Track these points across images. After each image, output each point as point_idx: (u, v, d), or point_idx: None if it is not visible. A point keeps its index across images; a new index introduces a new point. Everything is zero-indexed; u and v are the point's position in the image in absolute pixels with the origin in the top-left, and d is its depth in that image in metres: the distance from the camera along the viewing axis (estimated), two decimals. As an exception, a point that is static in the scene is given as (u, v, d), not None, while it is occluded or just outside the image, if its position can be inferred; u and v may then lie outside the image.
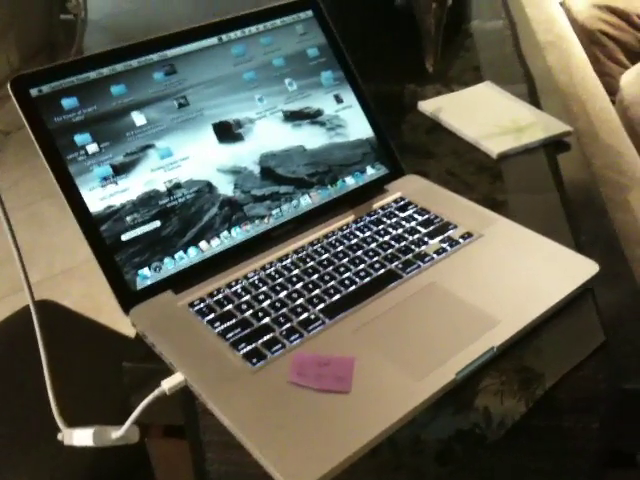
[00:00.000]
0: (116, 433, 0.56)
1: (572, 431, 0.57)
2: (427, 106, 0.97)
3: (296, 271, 0.67)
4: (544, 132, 0.90)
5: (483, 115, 0.95)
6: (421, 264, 0.66)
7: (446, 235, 0.70)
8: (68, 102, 0.64)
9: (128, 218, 0.64)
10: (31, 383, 0.92)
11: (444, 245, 0.69)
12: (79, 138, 0.64)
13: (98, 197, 0.63)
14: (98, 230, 0.62)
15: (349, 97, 0.80)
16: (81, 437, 0.56)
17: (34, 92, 0.63)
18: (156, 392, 0.54)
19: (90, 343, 1.03)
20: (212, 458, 0.61)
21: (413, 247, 0.69)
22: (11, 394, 0.95)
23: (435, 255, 0.68)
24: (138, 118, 0.67)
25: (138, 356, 0.60)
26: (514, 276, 0.65)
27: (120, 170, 0.65)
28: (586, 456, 0.59)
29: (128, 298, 0.62)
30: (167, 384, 0.55)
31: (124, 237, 0.63)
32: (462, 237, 0.70)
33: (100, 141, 0.64)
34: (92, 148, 0.64)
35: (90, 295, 1.87)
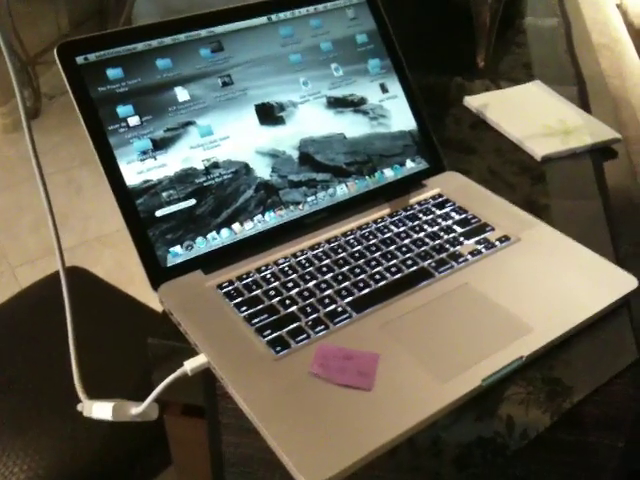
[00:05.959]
0: (136, 409, 0.56)
1: (596, 448, 0.56)
2: (473, 101, 0.95)
3: (327, 261, 0.66)
4: (592, 137, 0.87)
5: (530, 115, 0.93)
6: (455, 264, 0.65)
7: (483, 237, 0.69)
8: (113, 72, 0.64)
9: (164, 194, 0.64)
10: (56, 349, 0.93)
11: (480, 247, 0.67)
12: (121, 110, 0.63)
13: (136, 170, 0.63)
14: (133, 204, 0.62)
15: (395, 87, 0.78)
16: (100, 410, 0.57)
17: (80, 60, 0.63)
18: (178, 372, 0.54)
19: (117, 314, 1.04)
20: (228, 441, 0.61)
21: (448, 246, 0.68)
22: (35, 359, 0.96)
23: (470, 256, 0.66)
24: (181, 94, 0.66)
25: (163, 333, 0.60)
26: (549, 284, 0.63)
27: (160, 145, 0.64)
28: (606, 473, 0.57)
29: (158, 274, 0.62)
30: (190, 365, 0.54)
31: (158, 213, 0.63)
32: (499, 240, 0.68)
33: (142, 114, 0.64)
34: (134, 121, 0.64)
35: (121, 263, 1.89)
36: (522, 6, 1.26)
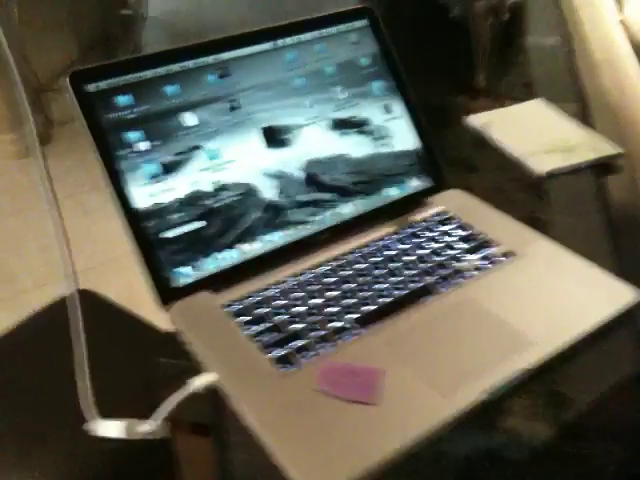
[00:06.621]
0: (146, 427, 0.57)
1: (600, 459, 0.56)
2: (476, 120, 0.97)
3: (333, 279, 0.67)
4: (594, 153, 0.88)
5: (532, 132, 0.94)
6: (459, 280, 0.66)
7: (486, 253, 0.70)
8: (123, 99, 0.66)
9: (173, 216, 0.65)
10: (64, 366, 0.94)
11: (483, 262, 0.68)
12: (131, 135, 0.65)
13: (146, 194, 0.65)
14: (143, 226, 0.64)
15: (398, 108, 0.80)
16: (111, 428, 0.58)
17: (91, 87, 0.65)
18: (189, 389, 0.55)
19: (126, 336, 1.05)
20: (237, 458, 0.62)
21: (452, 262, 0.69)
22: (43, 382, 0.96)
23: (474, 272, 0.67)
24: (190, 119, 0.68)
25: (172, 352, 0.62)
26: (552, 299, 0.64)
27: (169, 169, 0.66)
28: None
29: (167, 295, 0.64)
30: (199, 382, 0.56)
31: (168, 234, 0.65)
32: (502, 255, 0.69)
33: (152, 139, 0.66)
34: (143, 146, 0.65)
35: (130, 287, 1.90)
36: (523, 24, 1.28)
